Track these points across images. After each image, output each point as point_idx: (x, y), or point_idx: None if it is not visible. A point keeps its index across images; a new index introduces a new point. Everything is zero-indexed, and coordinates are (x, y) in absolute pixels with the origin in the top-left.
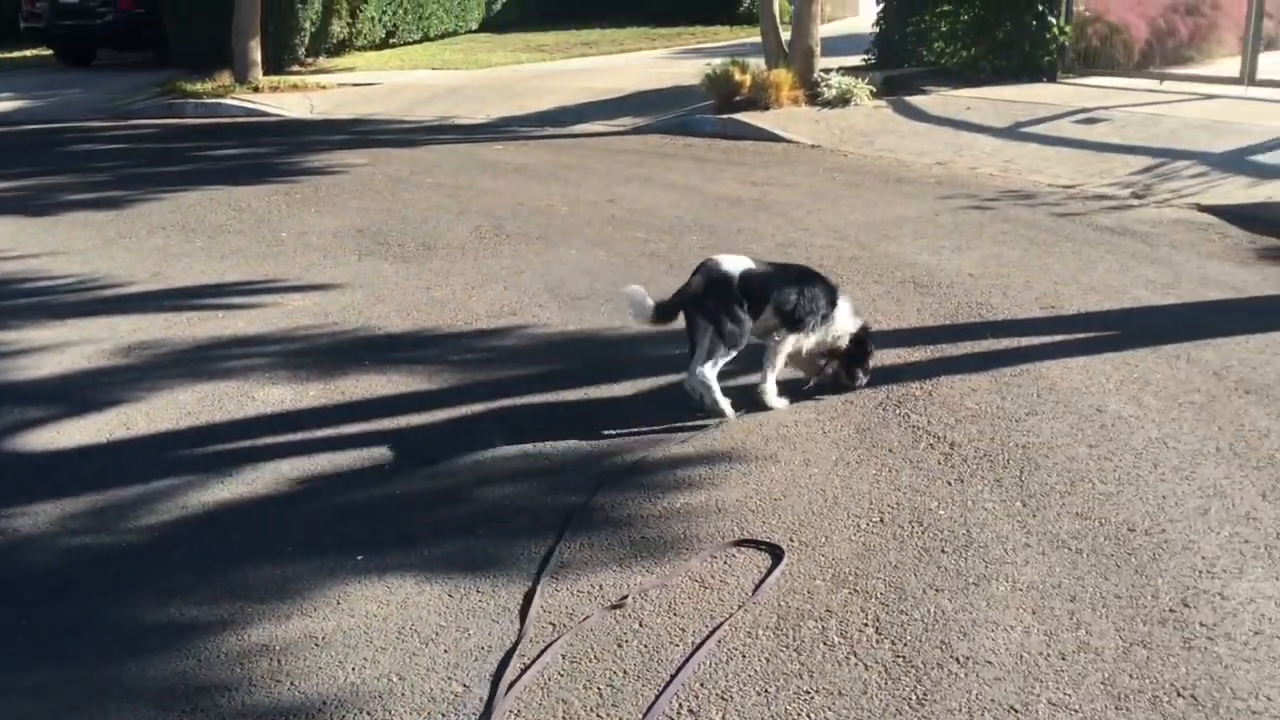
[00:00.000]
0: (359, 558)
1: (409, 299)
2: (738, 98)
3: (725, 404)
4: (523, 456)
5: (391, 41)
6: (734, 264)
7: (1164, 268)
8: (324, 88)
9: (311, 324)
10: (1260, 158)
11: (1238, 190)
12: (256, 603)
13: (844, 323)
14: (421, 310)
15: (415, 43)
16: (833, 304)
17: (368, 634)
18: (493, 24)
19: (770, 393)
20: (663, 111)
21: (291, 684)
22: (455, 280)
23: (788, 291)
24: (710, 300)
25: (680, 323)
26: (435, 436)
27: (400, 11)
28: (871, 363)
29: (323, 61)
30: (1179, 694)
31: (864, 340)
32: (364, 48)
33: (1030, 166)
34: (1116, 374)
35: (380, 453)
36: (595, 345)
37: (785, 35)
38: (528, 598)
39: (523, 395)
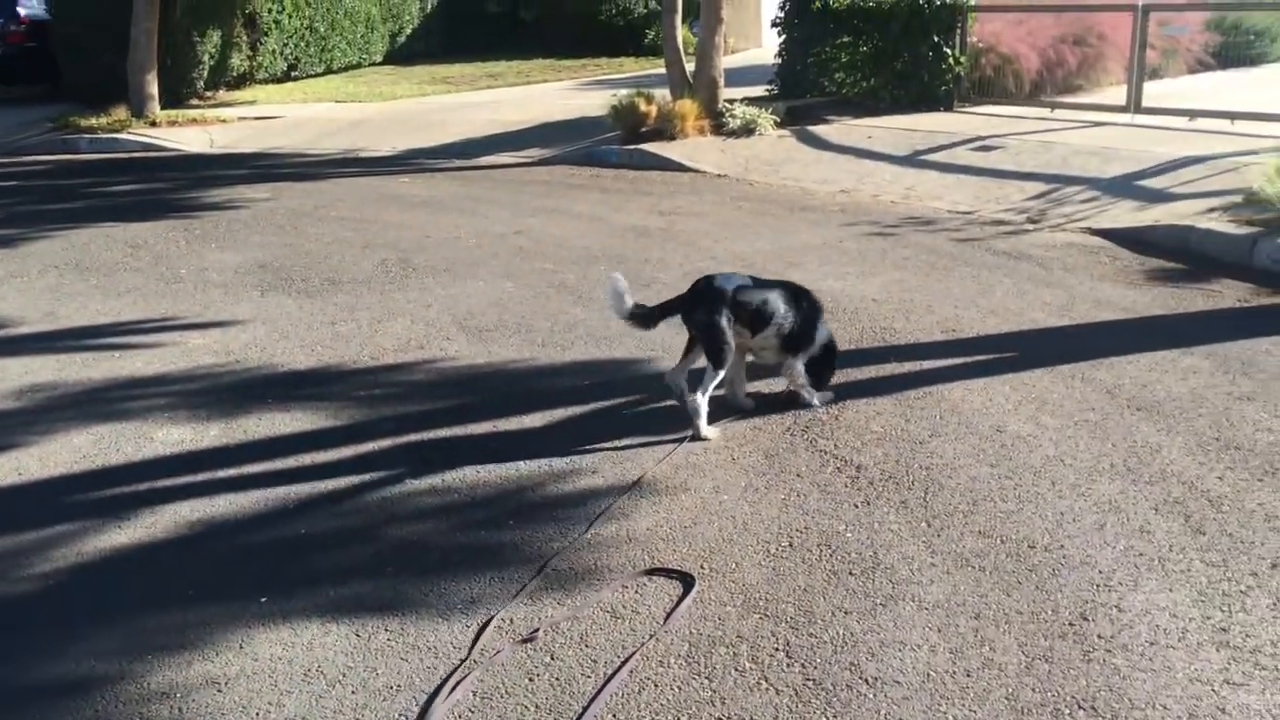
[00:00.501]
0: (263, 600)
1: (313, 334)
2: (644, 128)
3: (706, 429)
4: (431, 491)
5: (294, 74)
6: (728, 281)
7: (1059, 290)
8: (224, 121)
9: (212, 362)
10: (1147, 182)
11: (1127, 214)
12: (157, 649)
13: (821, 332)
14: (326, 346)
15: (318, 75)
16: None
17: (272, 677)
18: (397, 56)
19: (812, 394)
20: (570, 142)
21: None
22: (361, 315)
23: (788, 312)
24: (701, 315)
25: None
26: (341, 474)
27: (302, 44)
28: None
29: (223, 95)
30: (1080, 706)
31: (831, 349)
32: (265, 81)
33: (930, 193)
34: (1015, 394)
35: (284, 492)
36: (504, 377)
37: (690, 66)
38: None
39: (431, 429)
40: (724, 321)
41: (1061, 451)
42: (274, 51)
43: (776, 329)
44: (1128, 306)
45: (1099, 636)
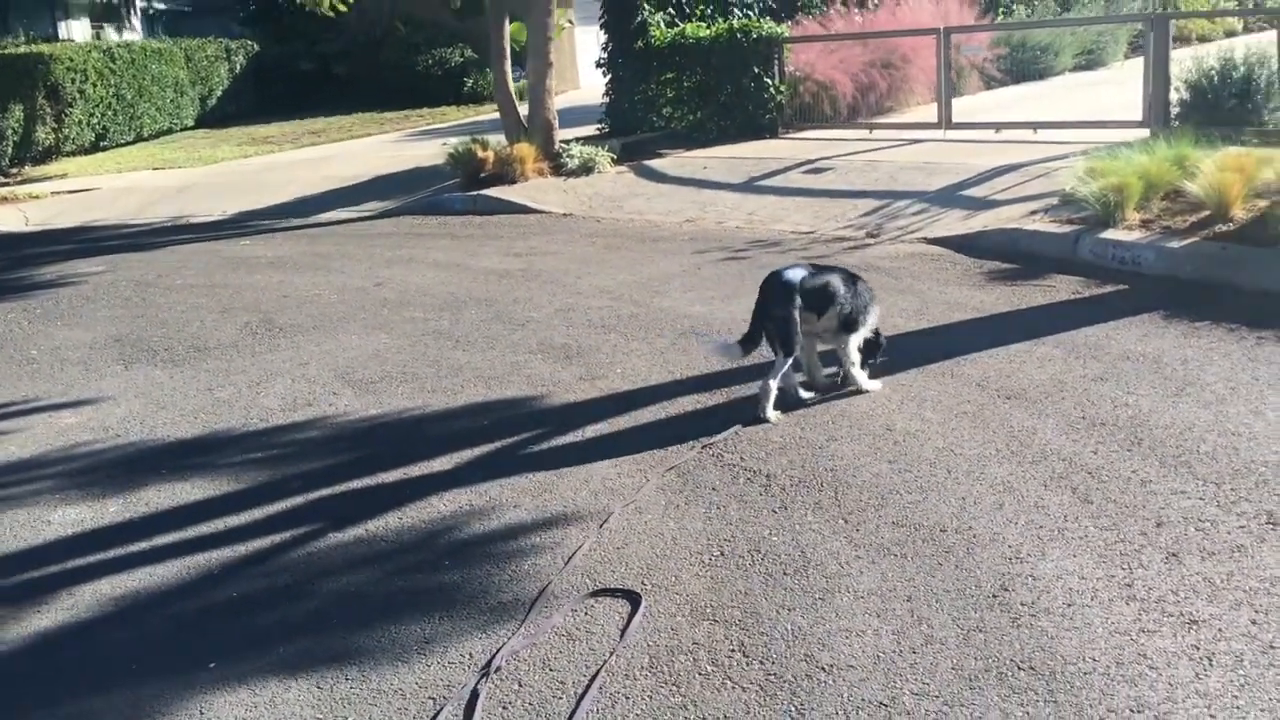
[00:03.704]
0: (212, 666)
1: (192, 402)
2: (483, 174)
3: (771, 411)
4: (358, 542)
5: (103, 144)
6: (794, 273)
7: (912, 297)
8: (36, 197)
9: (91, 439)
10: (970, 192)
11: (956, 223)
12: None
13: (874, 318)
14: (209, 412)
15: (129, 144)
16: (873, 299)
17: None
18: (209, 120)
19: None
20: (409, 193)
21: None
22: (237, 378)
23: (846, 296)
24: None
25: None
26: (260, 534)
27: (110, 113)
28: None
29: (30, 170)
30: (1019, 667)
31: (878, 335)
32: (73, 152)
33: (771, 216)
34: (896, 395)
35: (205, 558)
36: (401, 426)
37: (523, 110)
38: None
39: (340, 483)
40: (795, 312)
41: (950, 442)
42: (81, 122)
43: (836, 309)
44: (976, 306)
45: (1022, 604)
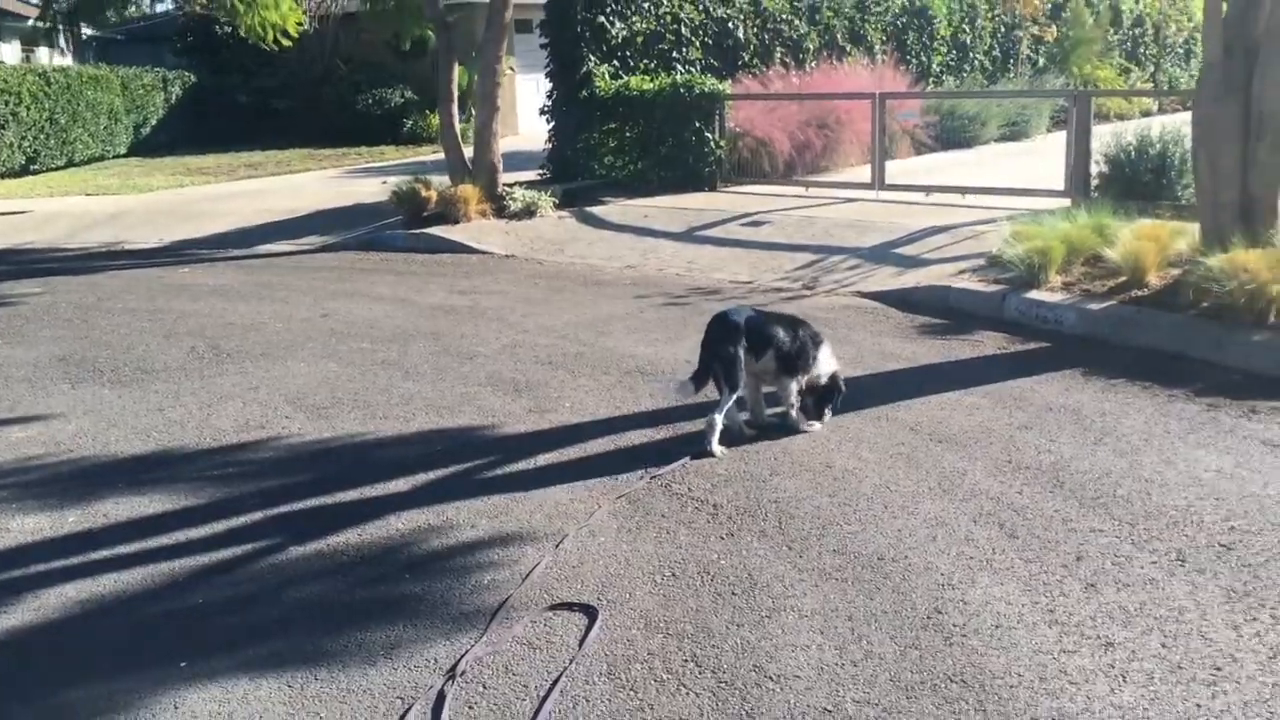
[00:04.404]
0: (182, 664)
1: (143, 421)
2: (426, 213)
3: (716, 446)
4: (319, 555)
5: (33, 168)
6: (739, 315)
7: (848, 346)
8: None
9: (44, 453)
10: (901, 250)
11: (888, 279)
12: (90, 718)
13: (825, 364)
14: (161, 431)
15: (59, 169)
16: (818, 345)
17: None
18: (143, 148)
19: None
20: (350, 229)
21: None
22: (187, 400)
23: (785, 339)
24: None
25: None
26: (222, 546)
27: (42, 137)
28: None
29: None
30: (951, 680)
31: (836, 381)
32: (2, 175)
33: (711, 265)
34: (834, 436)
35: (169, 567)
36: (355, 450)
37: (467, 152)
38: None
39: (298, 501)
40: (740, 351)
41: (885, 480)
42: (11, 145)
43: (775, 351)
44: (909, 357)
45: (954, 625)
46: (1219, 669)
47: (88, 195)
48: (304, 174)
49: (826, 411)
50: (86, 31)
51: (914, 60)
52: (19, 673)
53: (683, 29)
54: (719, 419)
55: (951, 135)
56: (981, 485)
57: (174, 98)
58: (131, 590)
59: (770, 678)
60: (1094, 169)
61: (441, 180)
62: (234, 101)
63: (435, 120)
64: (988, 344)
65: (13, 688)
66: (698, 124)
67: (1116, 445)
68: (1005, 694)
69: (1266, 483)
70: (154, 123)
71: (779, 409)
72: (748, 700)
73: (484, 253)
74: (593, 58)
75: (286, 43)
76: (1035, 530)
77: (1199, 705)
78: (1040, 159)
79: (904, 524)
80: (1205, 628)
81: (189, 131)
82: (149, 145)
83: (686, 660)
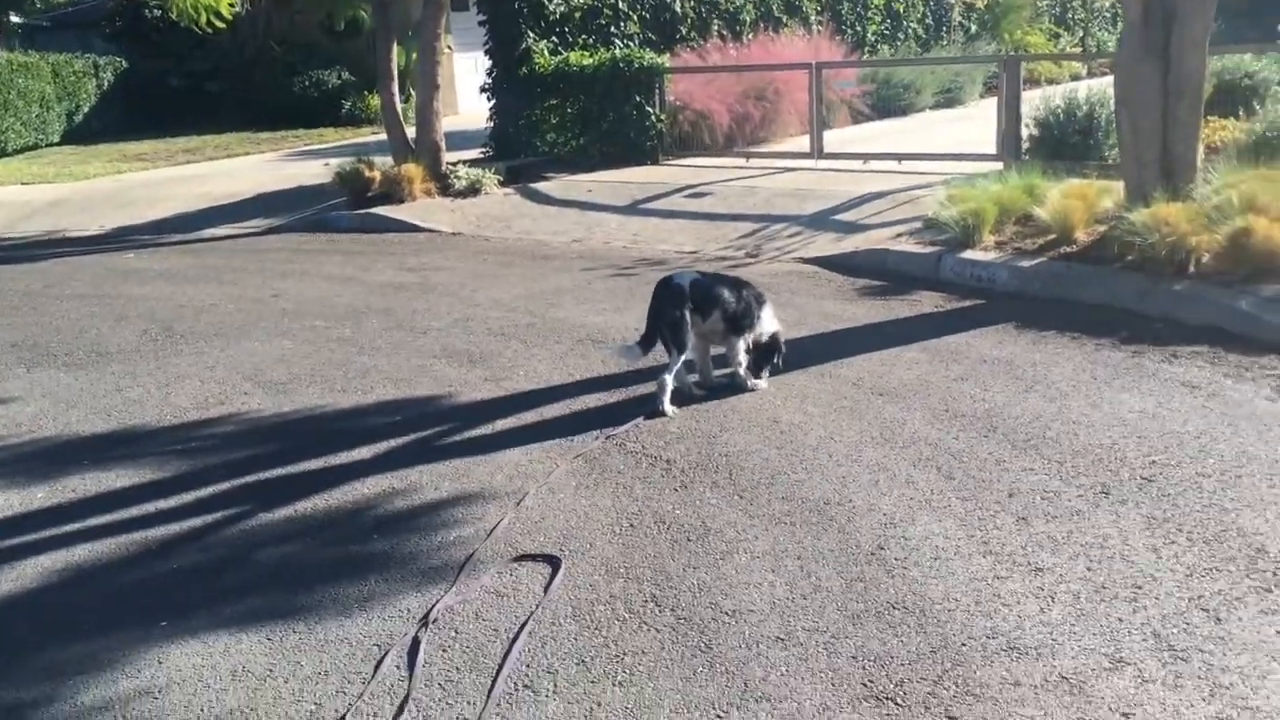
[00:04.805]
0: (163, 624)
1: (102, 402)
2: (370, 193)
3: (668, 405)
4: (287, 520)
5: None
6: (684, 278)
7: (791, 309)
8: None
9: (5, 434)
10: (839, 217)
11: (828, 244)
12: (77, 674)
13: (768, 323)
14: (122, 410)
15: None
16: (761, 305)
17: (203, 680)
18: (76, 136)
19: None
20: (294, 211)
21: None
22: (145, 380)
23: (730, 300)
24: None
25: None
26: (191, 515)
27: None
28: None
29: None
30: (894, 607)
31: (776, 340)
32: None
33: (655, 237)
34: (780, 393)
35: (141, 536)
36: (316, 421)
37: (410, 132)
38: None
39: (264, 471)
40: (686, 314)
41: (830, 431)
42: None
43: (721, 312)
44: (850, 317)
45: (895, 559)
46: (1140, 587)
47: (24, 184)
48: (243, 158)
49: (766, 370)
50: (13, 19)
51: (849, 30)
52: (4, 636)
53: (620, 3)
54: (669, 380)
55: (887, 104)
56: (920, 433)
57: (106, 84)
58: (106, 559)
59: (726, 613)
60: (1024, 132)
61: (384, 160)
62: (167, 86)
63: (374, 101)
64: (925, 303)
65: (2, 649)
66: (638, 98)
67: (1046, 392)
68: (944, 617)
69: (1185, 421)
70: (87, 110)
71: (727, 369)
72: (706, 633)
73: (431, 231)
74: (531, 34)
75: (220, 25)
76: (971, 471)
77: (1121, 620)
78: (973, 124)
79: (848, 471)
80: (1127, 552)
81: (123, 117)
82: (83, 132)
83: (647, 601)
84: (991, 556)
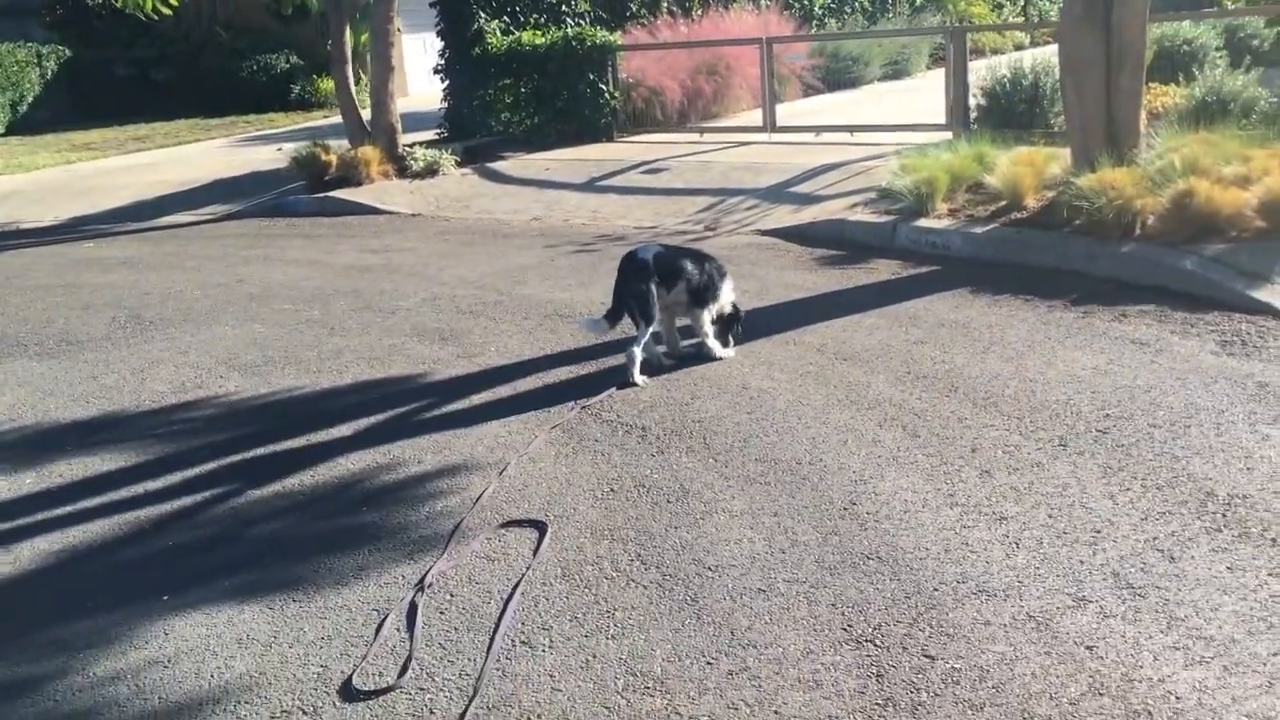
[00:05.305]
0: (165, 598)
1: (79, 389)
2: (328, 177)
3: (639, 376)
4: (277, 496)
5: None
6: (648, 252)
7: (752, 280)
8: None
9: None
10: (796, 189)
11: (786, 216)
12: (86, 648)
13: (729, 294)
14: (100, 396)
15: None
16: (723, 277)
17: (210, 649)
18: (21, 127)
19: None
20: (251, 196)
21: (160, 697)
22: (120, 367)
23: (693, 271)
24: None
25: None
26: (181, 495)
27: None
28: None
29: None
30: (868, 557)
31: (737, 310)
32: None
33: (615, 213)
34: (747, 361)
35: (133, 516)
36: (294, 402)
37: (365, 114)
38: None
39: (248, 450)
40: (652, 286)
41: (797, 396)
42: None
43: (685, 284)
44: (810, 287)
45: (868, 513)
46: (1099, 532)
47: None
48: (194, 144)
49: (731, 338)
50: None
51: (798, 4)
52: (8, 616)
53: None
54: (638, 351)
55: (837, 76)
56: (884, 395)
57: (50, 73)
58: (102, 539)
59: (709, 568)
60: (972, 102)
61: (340, 144)
62: (112, 74)
63: (324, 85)
64: (882, 270)
65: (7, 628)
66: (591, 76)
67: (1003, 352)
68: (916, 565)
69: (1135, 376)
70: (31, 100)
71: (694, 340)
72: (690, 588)
73: (390, 213)
74: (483, 14)
75: (166, 11)
76: (934, 429)
77: (1082, 562)
78: (922, 95)
79: (817, 432)
80: (1085, 499)
81: (69, 107)
82: (29, 123)
83: (632, 560)
84: (958, 508)
